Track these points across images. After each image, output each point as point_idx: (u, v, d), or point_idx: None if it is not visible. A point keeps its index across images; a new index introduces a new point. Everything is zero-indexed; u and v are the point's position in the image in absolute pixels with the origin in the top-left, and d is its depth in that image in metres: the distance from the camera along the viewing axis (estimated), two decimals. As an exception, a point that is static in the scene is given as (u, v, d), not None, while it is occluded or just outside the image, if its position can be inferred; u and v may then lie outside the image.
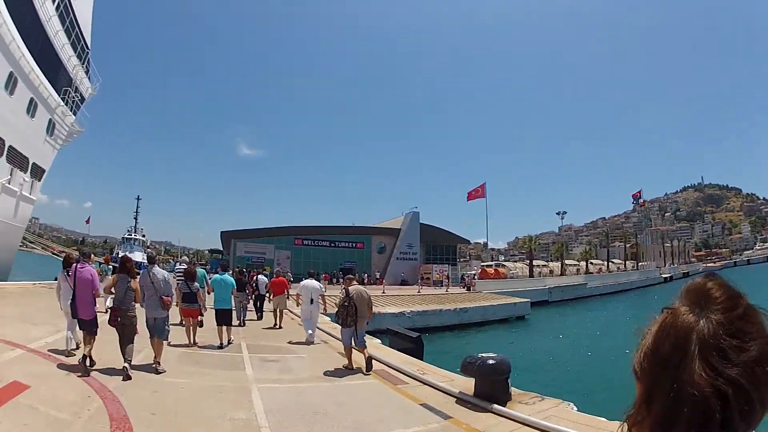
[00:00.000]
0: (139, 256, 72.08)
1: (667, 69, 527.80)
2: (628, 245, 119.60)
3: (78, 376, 8.38)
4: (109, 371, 8.86)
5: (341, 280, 51.99)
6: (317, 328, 16.07)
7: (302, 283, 15.68)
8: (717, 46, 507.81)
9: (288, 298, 19.54)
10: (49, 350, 10.01)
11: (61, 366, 8.99)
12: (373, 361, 11.02)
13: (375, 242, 72.20)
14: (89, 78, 35.57)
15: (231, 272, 19.30)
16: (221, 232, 72.92)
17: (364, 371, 10.51)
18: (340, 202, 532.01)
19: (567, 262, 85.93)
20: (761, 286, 29.03)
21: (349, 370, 10.81)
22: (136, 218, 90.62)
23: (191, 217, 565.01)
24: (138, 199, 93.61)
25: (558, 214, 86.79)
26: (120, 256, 15.23)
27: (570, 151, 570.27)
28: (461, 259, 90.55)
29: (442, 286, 56.44)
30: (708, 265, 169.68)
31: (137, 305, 9.35)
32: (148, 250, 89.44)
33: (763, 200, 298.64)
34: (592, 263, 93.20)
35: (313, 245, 69.44)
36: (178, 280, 14.41)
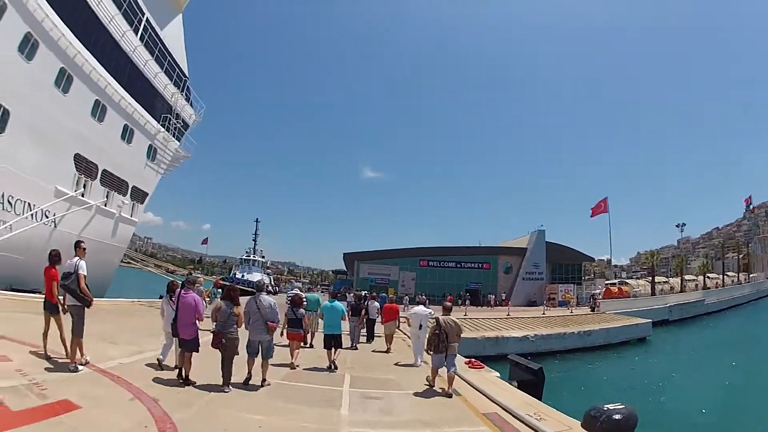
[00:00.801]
0: (257, 277, 74.03)
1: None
2: (740, 256, 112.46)
3: (140, 402, 7.62)
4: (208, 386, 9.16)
5: (467, 301, 50.56)
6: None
7: (413, 309, 15.64)
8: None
9: (398, 324, 19.71)
10: (118, 372, 9.45)
11: (131, 389, 8.31)
12: (488, 400, 10.53)
13: (501, 262, 70.87)
14: (191, 105, 37.15)
15: (352, 295, 22.62)
16: (344, 253, 74.73)
17: (446, 391, 10.90)
18: (461, 221, 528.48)
19: (686, 277, 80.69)
20: None
21: (431, 389, 11.45)
22: (255, 240, 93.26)
23: (314, 237, 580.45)
24: (257, 221, 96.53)
25: (677, 226, 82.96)
26: (229, 283, 14.57)
27: (682, 156, 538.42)
28: (585, 278, 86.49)
29: (567, 306, 54.97)
30: None
31: (239, 328, 9.72)
32: (268, 270, 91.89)
33: None
34: (709, 277, 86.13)
35: (439, 266, 69.10)
36: (287, 304, 14.33)
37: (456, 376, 11.16)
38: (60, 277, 9.22)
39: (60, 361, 9.19)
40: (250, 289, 59.61)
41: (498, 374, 13.67)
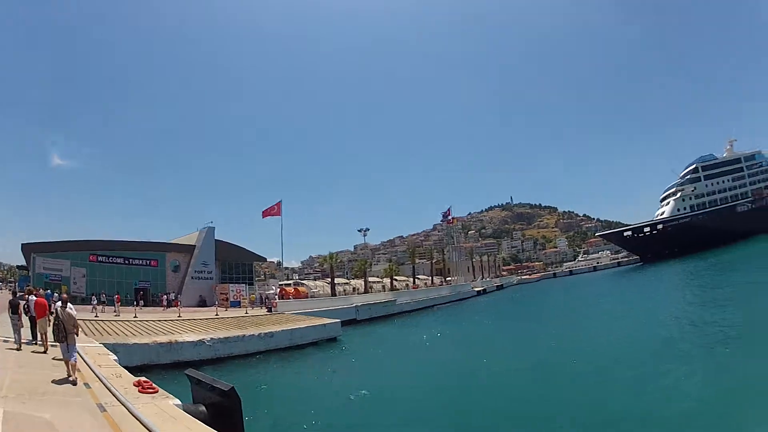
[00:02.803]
0: None
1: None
2: (433, 261, 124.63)
3: None
4: None
5: (136, 303, 47.40)
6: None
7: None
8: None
9: (48, 322, 17.97)
10: None
11: None
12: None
13: (169, 260, 67.39)
14: None
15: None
16: (22, 244, 63.47)
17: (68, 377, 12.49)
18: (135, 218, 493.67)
19: (370, 279, 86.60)
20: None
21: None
22: None
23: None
24: None
25: (360, 231, 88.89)
26: None
27: (370, 171, 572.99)
28: (256, 278, 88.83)
29: (240, 306, 54.92)
30: (522, 277, 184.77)
31: None
32: None
33: (583, 216, 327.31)
34: (396, 280, 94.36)
35: (108, 262, 63.09)
36: None
37: (126, 411, 10.29)
38: None
39: None
40: None
41: (178, 402, 12.02)
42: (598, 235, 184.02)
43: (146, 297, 58.56)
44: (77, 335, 13.32)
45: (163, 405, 11.11)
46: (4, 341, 16.66)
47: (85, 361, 15.90)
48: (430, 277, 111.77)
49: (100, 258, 62.50)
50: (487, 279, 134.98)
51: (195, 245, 67.51)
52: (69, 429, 8.96)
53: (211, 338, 30.15)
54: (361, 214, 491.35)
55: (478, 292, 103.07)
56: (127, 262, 64.18)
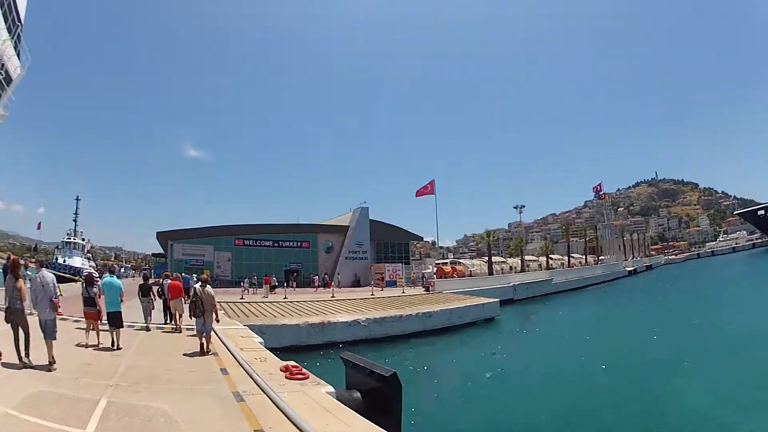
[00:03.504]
0: (78, 261, 66.39)
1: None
2: (587, 239, 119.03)
3: None
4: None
5: (286, 284, 46.56)
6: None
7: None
8: (671, 38, 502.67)
9: (185, 301, 17.66)
10: None
11: None
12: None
13: (321, 241, 67.16)
14: (18, 56, 30.57)
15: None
16: (157, 233, 66.22)
17: (203, 352, 12.79)
18: (284, 201, 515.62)
19: (526, 257, 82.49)
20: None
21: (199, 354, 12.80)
22: (75, 221, 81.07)
23: (139, 221, 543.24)
24: (77, 199, 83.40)
25: (516, 208, 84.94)
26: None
27: (515, 146, 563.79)
28: (412, 258, 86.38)
29: (396, 286, 52.81)
30: (669, 257, 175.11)
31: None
32: (89, 254, 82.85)
33: (722, 194, 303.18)
34: (551, 258, 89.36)
35: (255, 245, 64.11)
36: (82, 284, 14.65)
37: (268, 400, 8.47)
38: None
39: None
40: (70, 276, 53.50)
41: (331, 389, 9.91)
42: (736, 214, 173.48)
43: (298, 278, 58.87)
44: (216, 314, 13.45)
45: (314, 393, 9.23)
46: (129, 326, 15.57)
47: (224, 343, 14.17)
48: (584, 256, 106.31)
49: (246, 242, 63.61)
50: (637, 258, 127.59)
51: (348, 225, 66.73)
52: (191, 422, 7.22)
53: (367, 318, 28.30)
54: (513, 193, 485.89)
55: (629, 272, 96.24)
56: (276, 244, 64.77)
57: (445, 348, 27.79)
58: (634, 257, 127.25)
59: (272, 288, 43.12)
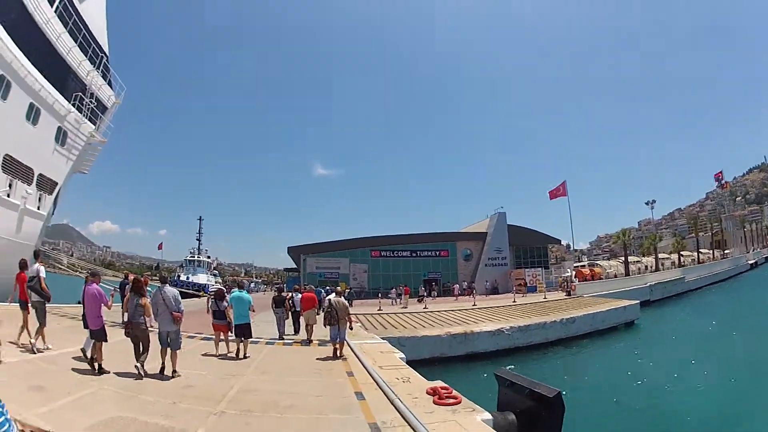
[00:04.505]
0: (203, 278, 68.24)
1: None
2: (712, 233, 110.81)
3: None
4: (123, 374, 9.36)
5: (426, 295, 43.78)
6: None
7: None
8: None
9: (319, 312, 17.64)
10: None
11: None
12: None
13: (460, 248, 64.24)
14: (110, 85, 32.00)
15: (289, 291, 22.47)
16: (288, 248, 67.06)
17: (336, 356, 13.32)
18: (418, 211, 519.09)
19: (659, 255, 76.36)
20: None
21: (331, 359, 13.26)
22: (199, 239, 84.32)
23: (269, 238, 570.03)
24: (200, 219, 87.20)
25: (647, 203, 78.96)
26: (131, 278, 14.45)
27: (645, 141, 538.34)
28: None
29: (536, 291, 49.82)
30: None
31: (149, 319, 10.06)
32: (215, 271, 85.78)
33: None
34: (681, 255, 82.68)
35: (392, 256, 62.92)
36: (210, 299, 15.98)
37: None
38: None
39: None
40: (193, 291, 54.72)
41: (487, 416, 7.82)
42: None
43: (438, 287, 56.59)
44: (349, 321, 13.78)
45: (468, 423, 7.23)
46: (253, 342, 14.48)
47: (360, 360, 12.41)
48: (711, 251, 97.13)
49: (383, 253, 62.52)
50: (757, 250, 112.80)
51: (486, 232, 63.57)
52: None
53: (510, 327, 26.01)
54: (640, 189, 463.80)
55: (750, 265, 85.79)
56: (414, 254, 63.06)
57: (590, 356, 25.32)
58: (754, 249, 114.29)
59: (420, 297, 41.73)
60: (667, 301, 48.16)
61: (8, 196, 23.17)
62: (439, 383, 9.52)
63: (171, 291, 10.56)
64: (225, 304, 13.57)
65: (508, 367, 12.49)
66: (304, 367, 12.02)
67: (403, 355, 14.06)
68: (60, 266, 37.58)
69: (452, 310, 33.67)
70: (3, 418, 2.35)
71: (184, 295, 11.80)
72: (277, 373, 11.35)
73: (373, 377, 10.40)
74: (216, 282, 71.55)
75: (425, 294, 43.59)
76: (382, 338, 18.73)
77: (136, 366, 9.48)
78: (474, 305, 36.38)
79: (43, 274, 11.59)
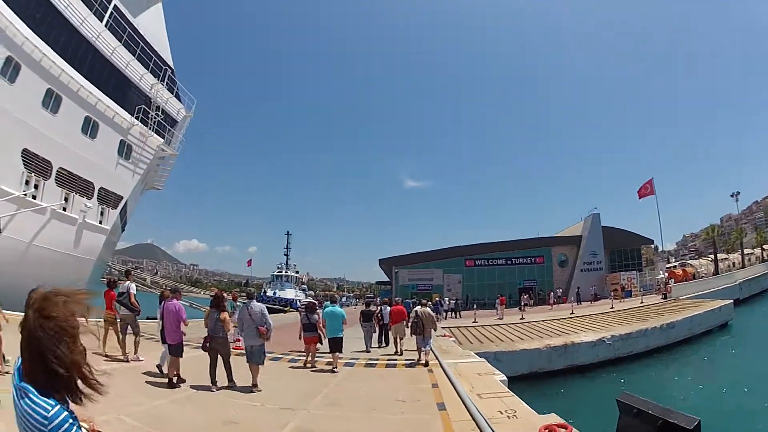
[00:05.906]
0: (290, 293, 67.37)
1: None
2: None
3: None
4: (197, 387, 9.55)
5: (524, 305, 41.21)
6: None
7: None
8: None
9: (407, 326, 16.74)
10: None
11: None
12: None
13: (555, 254, 60.53)
14: (178, 98, 31.62)
15: (378, 305, 23.18)
16: (380, 260, 65.90)
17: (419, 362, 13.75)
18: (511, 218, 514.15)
19: (745, 250, 71.89)
20: None
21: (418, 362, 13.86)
22: (287, 254, 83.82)
23: (362, 252, 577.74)
24: (288, 234, 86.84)
25: (732, 195, 75.12)
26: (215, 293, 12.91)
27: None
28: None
29: (632, 296, 47.29)
30: None
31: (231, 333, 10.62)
32: (303, 285, 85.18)
33: None
34: (763, 249, 76.67)
35: (487, 265, 60.20)
36: (302, 312, 15.49)
37: None
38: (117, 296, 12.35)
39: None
40: (280, 306, 54.07)
41: None
42: None
43: (534, 296, 53.11)
44: (434, 325, 14.30)
45: None
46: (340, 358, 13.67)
47: (454, 385, 10.04)
48: None
49: (477, 262, 60.12)
50: None
51: (581, 235, 59.48)
52: None
53: (611, 335, 23.93)
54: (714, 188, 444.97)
55: None
56: (509, 262, 60.39)
57: (700, 363, 23.17)
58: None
59: (522, 306, 39.74)
60: (756, 298, 45.94)
61: (64, 209, 22.58)
62: (554, 418, 7.33)
63: (257, 306, 10.75)
64: (316, 317, 13.81)
65: (622, 390, 9.87)
66: (383, 398, 9.82)
67: (505, 378, 11.53)
68: (143, 284, 37.69)
69: (549, 320, 31.58)
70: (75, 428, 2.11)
71: (270, 311, 11.50)
72: (348, 405, 9.21)
73: (468, 410, 8.12)
74: (307, 296, 71.07)
75: (527, 303, 41.01)
76: (478, 354, 16.68)
77: (214, 383, 9.79)
78: (572, 313, 34.70)
79: (133, 291, 12.60)
